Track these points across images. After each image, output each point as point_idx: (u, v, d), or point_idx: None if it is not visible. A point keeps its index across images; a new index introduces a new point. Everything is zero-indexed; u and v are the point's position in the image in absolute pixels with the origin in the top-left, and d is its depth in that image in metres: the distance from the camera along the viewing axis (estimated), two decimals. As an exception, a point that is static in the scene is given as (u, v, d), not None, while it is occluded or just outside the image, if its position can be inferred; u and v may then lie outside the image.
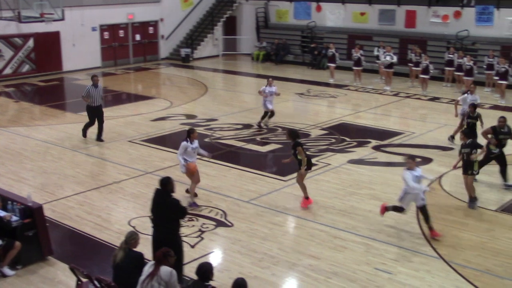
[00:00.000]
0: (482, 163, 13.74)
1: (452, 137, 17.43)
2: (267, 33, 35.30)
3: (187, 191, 13.19)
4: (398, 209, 11.62)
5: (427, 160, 15.91)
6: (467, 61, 24.13)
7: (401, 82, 26.75)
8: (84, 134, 17.85)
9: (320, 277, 9.84)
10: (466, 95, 17.57)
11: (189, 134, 12.73)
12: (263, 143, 17.51)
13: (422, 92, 24.81)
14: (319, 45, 31.64)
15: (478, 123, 15.62)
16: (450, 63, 25.69)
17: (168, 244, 8.22)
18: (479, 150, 12.61)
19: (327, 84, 26.81)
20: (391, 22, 30.78)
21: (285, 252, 10.76)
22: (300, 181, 12.71)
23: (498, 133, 13.87)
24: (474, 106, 15.80)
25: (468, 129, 14.94)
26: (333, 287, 9.53)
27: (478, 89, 23.99)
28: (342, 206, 12.79)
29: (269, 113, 19.23)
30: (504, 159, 14.02)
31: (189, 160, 12.68)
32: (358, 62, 26.55)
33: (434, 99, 23.93)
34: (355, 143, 17.44)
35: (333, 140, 17.78)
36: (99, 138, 17.63)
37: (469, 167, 12.69)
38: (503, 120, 13.96)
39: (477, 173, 13.03)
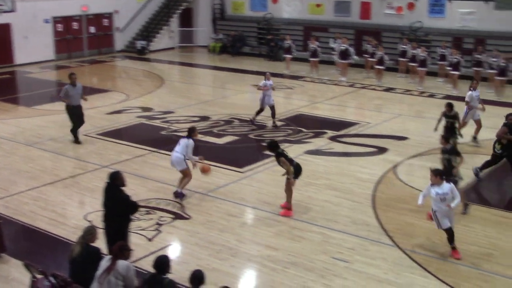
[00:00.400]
0: (490, 164, 13.72)
1: (475, 139, 16.75)
2: (223, 25, 35.22)
3: (175, 195, 12.98)
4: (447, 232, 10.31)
5: (382, 150, 16.13)
6: (420, 52, 24.51)
7: (356, 73, 27.01)
8: (76, 139, 16.54)
9: (278, 267, 9.90)
10: (470, 92, 16.74)
11: (191, 133, 12.77)
12: (220, 135, 17.48)
13: (377, 82, 25.13)
14: (275, 37, 31.71)
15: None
16: (404, 54, 26.06)
17: (118, 238, 8.17)
18: (458, 159, 11.79)
19: (283, 76, 26.91)
20: (346, 13, 31.06)
21: (243, 243, 10.79)
22: (287, 189, 12.03)
23: (511, 131, 13.45)
24: (450, 105, 15.19)
25: (447, 131, 14.77)
26: (291, 277, 9.60)
27: (431, 80, 24.61)
28: (299, 197, 12.85)
29: (269, 109, 18.35)
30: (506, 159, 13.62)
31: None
32: (314, 54, 26.71)
33: (389, 89, 24.26)
34: (311, 134, 17.56)
35: (290, 131, 17.86)
36: (76, 140, 16.56)
37: (449, 174, 11.64)
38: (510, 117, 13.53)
39: (461, 179, 12.01)
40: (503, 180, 14.72)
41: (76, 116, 16.49)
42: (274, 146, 12.04)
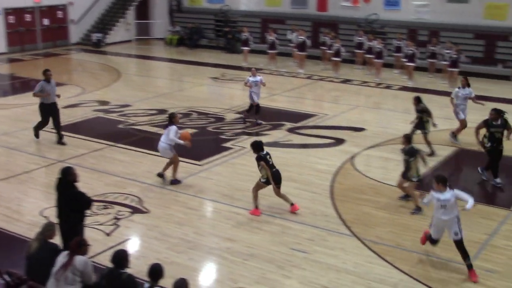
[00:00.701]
0: (491, 162, 13.45)
1: (454, 135, 16.37)
2: (180, 17, 35.00)
3: (158, 175, 13.31)
4: (431, 241, 10.00)
5: (340, 141, 16.28)
6: (376, 44, 24.77)
7: (314, 65, 27.17)
8: (37, 134, 16.03)
9: (237, 260, 9.92)
10: (457, 89, 16.43)
11: (171, 119, 13.00)
12: (178, 128, 17.34)
13: (335, 74, 25.33)
14: (232, 29, 31.66)
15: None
16: (360, 46, 26.31)
17: (73, 234, 8.08)
18: (415, 160, 11.78)
19: (241, 68, 26.90)
20: (303, 5, 31.16)
21: (201, 236, 10.78)
22: (255, 190, 11.77)
23: (490, 126, 13.18)
24: (417, 99, 15.18)
25: (417, 125, 14.95)
26: (250, 269, 9.63)
27: (387, 71, 24.92)
28: (258, 189, 12.90)
29: (254, 107, 17.93)
30: (497, 155, 13.35)
31: (172, 146, 12.95)
32: (272, 46, 26.75)
33: (346, 81, 24.48)
34: (269, 126, 17.61)
35: (248, 124, 17.87)
36: (60, 141, 15.86)
37: (407, 173, 11.90)
38: (493, 113, 13.19)
39: (418, 180, 11.99)
40: (458, 170, 15.02)
41: (51, 115, 15.78)
42: (256, 147, 11.64)
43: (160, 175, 13.28)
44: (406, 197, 12.31)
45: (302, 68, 26.11)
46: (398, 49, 25.45)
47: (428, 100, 17.00)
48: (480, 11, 26.61)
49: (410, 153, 11.82)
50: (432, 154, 14.94)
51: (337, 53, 25.25)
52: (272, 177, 11.45)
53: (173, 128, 12.86)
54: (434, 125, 15.13)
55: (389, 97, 22.46)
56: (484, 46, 26.30)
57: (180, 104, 20.15)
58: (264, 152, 11.60)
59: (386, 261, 9.95)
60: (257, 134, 16.79)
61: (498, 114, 13.18)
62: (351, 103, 20.80)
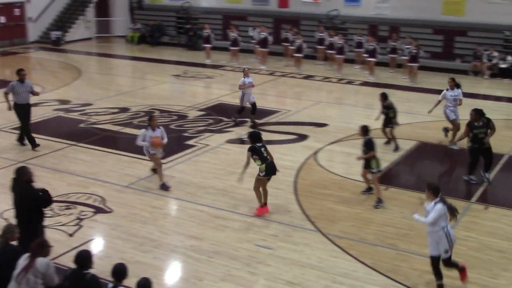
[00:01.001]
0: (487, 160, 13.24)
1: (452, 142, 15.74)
2: (141, 14, 34.71)
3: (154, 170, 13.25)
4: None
5: (303, 137, 16.36)
6: (338, 40, 24.94)
7: (276, 61, 27.23)
8: (30, 139, 15.34)
9: (202, 257, 9.90)
10: (445, 91, 15.82)
11: (149, 122, 12.69)
12: (141, 127, 17.21)
13: (297, 70, 25.43)
14: (194, 26, 31.54)
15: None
16: (321, 41, 26.47)
17: (33, 235, 7.97)
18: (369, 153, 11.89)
19: (204, 65, 26.82)
20: (264, 2, 31.21)
21: (166, 234, 10.73)
22: (256, 187, 11.53)
23: (473, 128, 13.00)
24: (383, 95, 15.17)
25: (384, 120, 15.06)
26: (216, 266, 9.63)
27: (348, 67, 25.13)
28: (222, 186, 12.90)
29: (251, 108, 17.40)
30: (478, 155, 13.24)
31: (151, 151, 12.66)
32: (235, 42, 26.72)
33: (308, 77, 24.60)
34: (232, 123, 17.59)
35: (211, 121, 17.84)
36: (21, 141, 15.44)
37: (367, 165, 12.06)
38: (473, 113, 13.01)
39: (378, 171, 12.01)
40: (419, 163, 15.24)
41: (23, 115, 15.28)
42: (252, 138, 11.48)
43: (162, 187, 12.83)
44: (369, 190, 12.46)
45: (264, 65, 26.15)
46: (359, 45, 25.69)
47: (389, 95, 17.14)
48: (439, 7, 27.02)
49: (368, 146, 11.94)
50: (396, 149, 15.15)
51: (299, 49, 25.37)
52: (266, 168, 11.28)
53: (141, 132, 12.69)
54: (397, 123, 15.34)
55: (350, 93, 22.66)
56: (443, 41, 26.71)
57: (142, 102, 19.99)
58: (260, 144, 11.40)
59: (350, 255, 10.06)
60: (220, 131, 16.77)
61: (478, 114, 13.00)
62: (313, 99, 20.92)
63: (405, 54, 23.98)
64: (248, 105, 17.49)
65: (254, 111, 17.48)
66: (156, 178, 13.14)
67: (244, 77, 17.40)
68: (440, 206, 8.68)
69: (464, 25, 26.43)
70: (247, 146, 11.74)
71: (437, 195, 8.79)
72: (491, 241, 10.44)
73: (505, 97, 21.24)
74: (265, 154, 11.38)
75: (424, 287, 9.14)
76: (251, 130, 12.16)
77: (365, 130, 12.18)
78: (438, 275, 8.95)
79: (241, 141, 14.73)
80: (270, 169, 11.36)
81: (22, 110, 15.24)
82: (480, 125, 12.98)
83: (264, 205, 11.57)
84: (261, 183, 11.52)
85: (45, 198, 8.95)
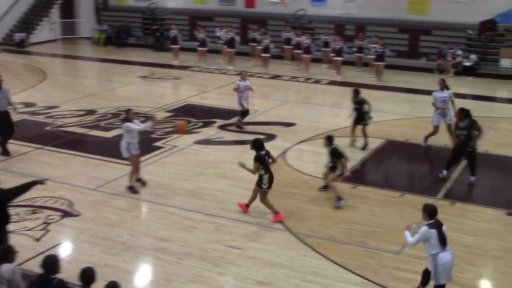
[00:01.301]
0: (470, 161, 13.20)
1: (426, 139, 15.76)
2: (107, 15, 34.43)
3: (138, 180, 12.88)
4: None
5: (271, 137, 16.38)
6: (305, 40, 25.05)
7: (243, 61, 27.23)
8: (5, 150, 14.80)
9: (171, 259, 9.85)
10: (434, 93, 15.43)
11: (126, 116, 12.52)
12: (108, 129, 17.10)
13: (264, 70, 25.47)
14: (161, 27, 31.37)
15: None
16: (288, 41, 26.56)
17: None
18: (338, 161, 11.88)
19: (171, 66, 26.69)
20: (231, 2, 31.21)
21: (135, 237, 10.64)
22: (263, 199, 11.34)
23: (456, 128, 13.06)
24: (355, 91, 15.17)
25: (356, 117, 15.07)
26: (185, 268, 9.58)
27: (315, 66, 25.26)
28: (191, 187, 12.85)
29: (244, 112, 17.18)
30: (459, 156, 13.27)
31: (132, 145, 12.44)
32: (202, 43, 26.66)
33: (275, 77, 24.66)
34: (201, 124, 17.55)
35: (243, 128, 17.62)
36: (4, 151, 14.78)
37: (333, 168, 12.00)
38: (459, 113, 12.98)
39: (340, 174, 11.98)
40: (387, 161, 15.39)
41: (4, 124, 14.67)
42: (256, 146, 11.27)
43: (139, 180, 12.84)
44: (325, 188, 12.54)
45: (232, 65, 26.14)
46: (326, 44, 25.85)
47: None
48: (404, 6, 27.35)
49: (333, 154, 11.92)
50: (365, 147, 15.26)
51: (266, 49, 25.43)
52: (269, 179, 11.15)
53: (125, 125, 12.42)
54: (370, 117, 15.35)
55: (318, 92, 22.79)
56: (408, 40, 27.04)
57: (109, 104, 19.81)
58: (264, 152, 11.20)
59: (320, 253, 10.10)
60: (188, 132, 16.68)
61: (463, 114, 12.86)
62: (281, 99, 20.98)
63: (371, 53, 24.20)
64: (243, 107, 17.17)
65: (244, 115, 17.29)
66: (123, 181, 12.99)
67: (240, 80, 17.17)
68: (424, 229, 8.09)
69: (429, 24, 26.81)
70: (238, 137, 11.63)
71: (431, 217, 8.19)
72: (458, 237, 10.58)
73: (469, 95, 21.54)
74: (268, 163, 11.24)
75: (393, 283, 9.22)
76: (255, 137, 11.97)
77: (329, 140, 12.05)
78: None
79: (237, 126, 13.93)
80: (272, 180, 11.26)
81: (1, 118, 14.63)
82: (463, 126, 12.88)
83: (276, 212, 11.29)
84: (266, 195, 11.30)
85: (8, 191, 8.82)
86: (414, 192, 12.95)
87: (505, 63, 25.18)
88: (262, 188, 11.24)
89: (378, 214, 11.68)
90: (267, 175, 11.15)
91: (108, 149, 15.52)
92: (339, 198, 11.98)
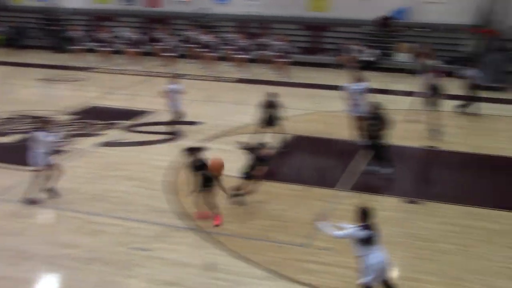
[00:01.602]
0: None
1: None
2: (4, 16, 33.00)
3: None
4: None
5: (177, 136, 16.23)
6: (209, 38, 25.02)
7: (148, 61, 26.89)
8: None
9: (78, 265, 9.54)
10: (348, 84, 15.67)
11: (44, 124, 11.85)
12: (6, 134, 16.40)
13: (169, 70, 25.21)
14: (61, 28, 30.47)
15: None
16: (192, 40, 26.45)
17: None
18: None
19: (72, 68, 25.98)
20: (131, 2, 30.78)
21: (38, 245, 10.22)
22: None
23: (366, 120, 13.40)
24: (270, 94, 15.29)
25: (266, 122, 15.02)
26: (93, 273, 9.31)
27: (220, 65, 25.26)
28: (96, 190, 12.53)
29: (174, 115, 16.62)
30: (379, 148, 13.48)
31: (41, 155, 11.73)
32: (105, 44, 26.12)
33: (180, 76, 24.42)
34: (104, 126, 17.16)
35: (82, 124, 17.29)
36: None
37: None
38: (369, 106, 13.40)
39: (246, 177, 11.82)
40: (294, 156, 15.59)
41: None
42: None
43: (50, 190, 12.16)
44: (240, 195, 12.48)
45: (135, 65, 25.73)
46: (230, 42, 25.91)
47: (261, 91, 17.41)
48: (304, 3, 27.89)
49: (257, 160, 11.75)
50: (280, 145, 15.35)
51: (170, 49, 25.21)
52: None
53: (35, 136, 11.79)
54: (282, 118, 15.44)
55: (223, 90, 22.80)
56: (310, 36, 27.58)
57: (6, 108, 18.98)
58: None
59: (230, 250, 10.09)
60: (91, 134, 16.29)
61: (373, 107, 13.27)
62: (186, 98, 20.76)
63: (274, 50, 24.48)
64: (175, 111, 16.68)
65: (178, 120, 16.74)
66: (24, 187, 12.46)
67: (170, 84, 16.69)
68: (351, 230, 7.98)
69: (330, 21, 27.46)
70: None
71: (363, 219, 8.04)
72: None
73: (371, 89, 22.16)
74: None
75: (301, 276, 9.33)
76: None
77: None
78: None
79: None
80: (204, 182, 11.15)
81: None
82: (372, 118, 13.27)
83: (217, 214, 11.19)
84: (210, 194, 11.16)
85: None
86: (320, 185, 13.18)
87: (400, 57, 26.28)
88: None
89: (285, 208, 11.80)
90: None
91: (6, 154, 14.88)
92: (239, 194, 11.85)
